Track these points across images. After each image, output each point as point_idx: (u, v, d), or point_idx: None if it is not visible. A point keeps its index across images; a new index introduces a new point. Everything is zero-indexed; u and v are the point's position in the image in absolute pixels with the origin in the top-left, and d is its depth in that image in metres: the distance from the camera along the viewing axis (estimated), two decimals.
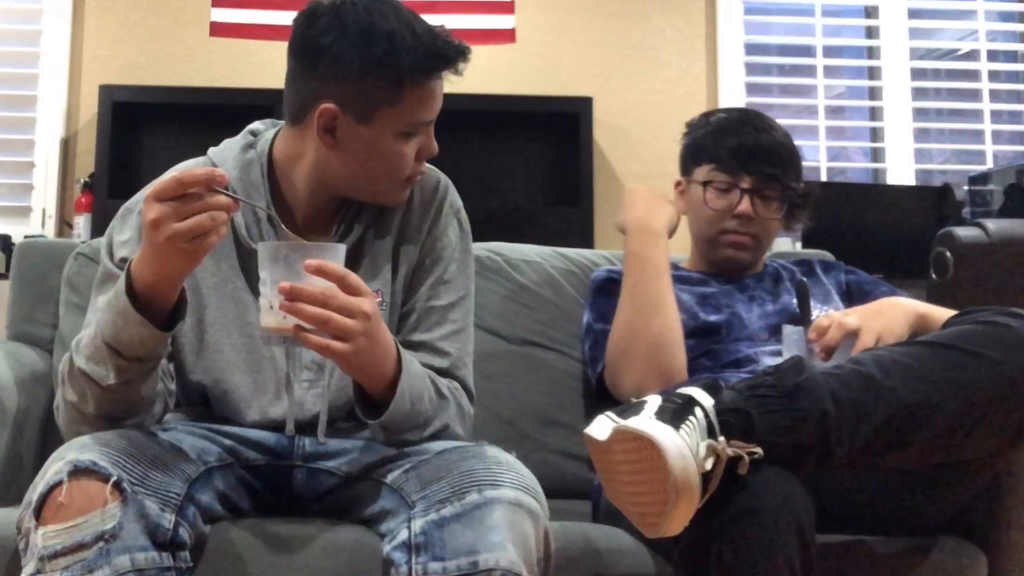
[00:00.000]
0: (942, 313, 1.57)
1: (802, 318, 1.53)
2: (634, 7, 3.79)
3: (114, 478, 1.16)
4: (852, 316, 1.48)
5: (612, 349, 1.70)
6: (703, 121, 1.88)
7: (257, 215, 1.45)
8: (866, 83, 3.99)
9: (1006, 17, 4.15)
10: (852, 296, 1.86)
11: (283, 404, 1.40)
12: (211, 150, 1.52)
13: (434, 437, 1.41)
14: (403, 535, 1.21)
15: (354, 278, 1.21)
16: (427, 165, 1.53)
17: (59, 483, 1.16)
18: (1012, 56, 4.12)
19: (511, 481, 1.23)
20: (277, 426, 1.40)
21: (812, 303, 1.74)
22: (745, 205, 1.78)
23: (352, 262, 1.41)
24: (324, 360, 1.38)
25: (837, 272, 1.91)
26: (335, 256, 1.22)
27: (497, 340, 1.96)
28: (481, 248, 2.03)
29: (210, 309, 1.44)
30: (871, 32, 4.00)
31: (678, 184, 1.90)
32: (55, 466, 1.19)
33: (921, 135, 3.94)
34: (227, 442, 1.39)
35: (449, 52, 1.40)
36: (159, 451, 1.26)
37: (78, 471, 1.17)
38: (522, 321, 1.98)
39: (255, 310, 1.37)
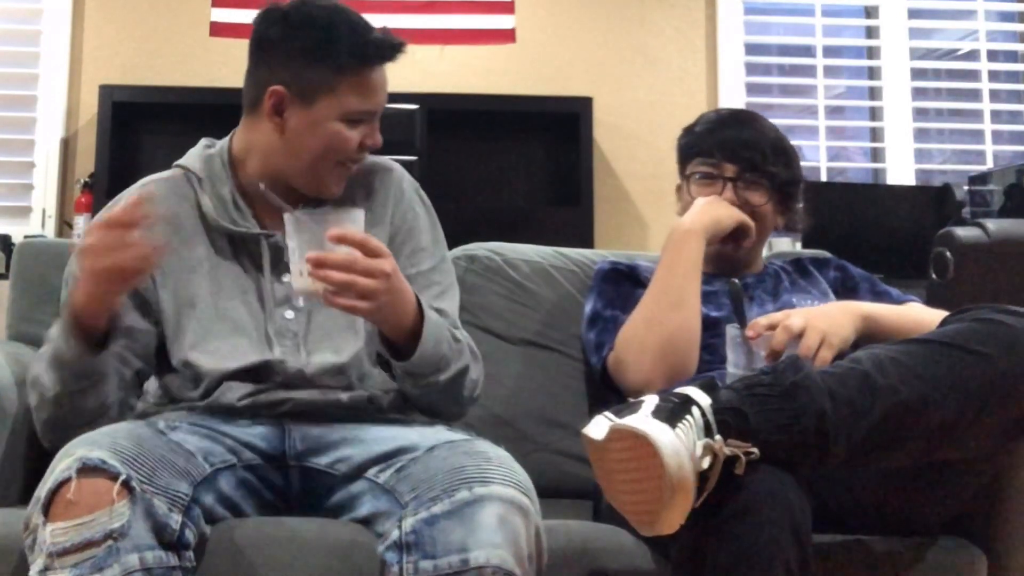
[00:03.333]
0: (891, 314, 1.61)
1: (737, 319, 1.52)
2: (634, 7, 3.79)
3: (123, 476, 1.17)
4: (796, 317, 1.48)
5: (627, 338, 1.68)
6: (696, 122, 1.92)
7: (222, 197, 1.55)
8: (866, 83, 4.00)
9: (1006, 17, 4.15)
10: (839, 292, 1.86)
11: (263, 352, 1.48)
12: (180, 161, 1.60)
13: (454, 381, 1.49)
14: (395, 535, 1.22)
15: (374, 242, 1.32)
16: (382, 158, 1.65)
17: (68, 480, 1.17)
18: (1012, 56, 4.12)
19: (501, 478, 1.24)
20: (258, 371, 1.47)
21: (809, 300, 1.74)
22: (728, 193, 1.79)
23: None
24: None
25: (828, 268, 1.92)
26: (354, 222, 1.34)
27: (496, 340, 1.95)
28: (480, 248, 2.03)
29: (188, 293, 1.50)
30: (871, 32, 4.00)
31: (678, 188, 1.91)
32: (64, 462, 1.19)
33: (921, 135, 3.94)
34: (228, 442, 1.40)
35: (382, 44, 1.52)
36: (166, 451, 1.27)
37: (87, 469, 1.17)
38: (521, 321, 1.98)
39: (231, 286, 1.51)
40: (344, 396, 1.48)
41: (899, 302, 1.76)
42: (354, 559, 1.31)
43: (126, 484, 1.17)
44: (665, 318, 1.64)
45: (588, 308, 1.86)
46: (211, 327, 1.49)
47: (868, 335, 1.54)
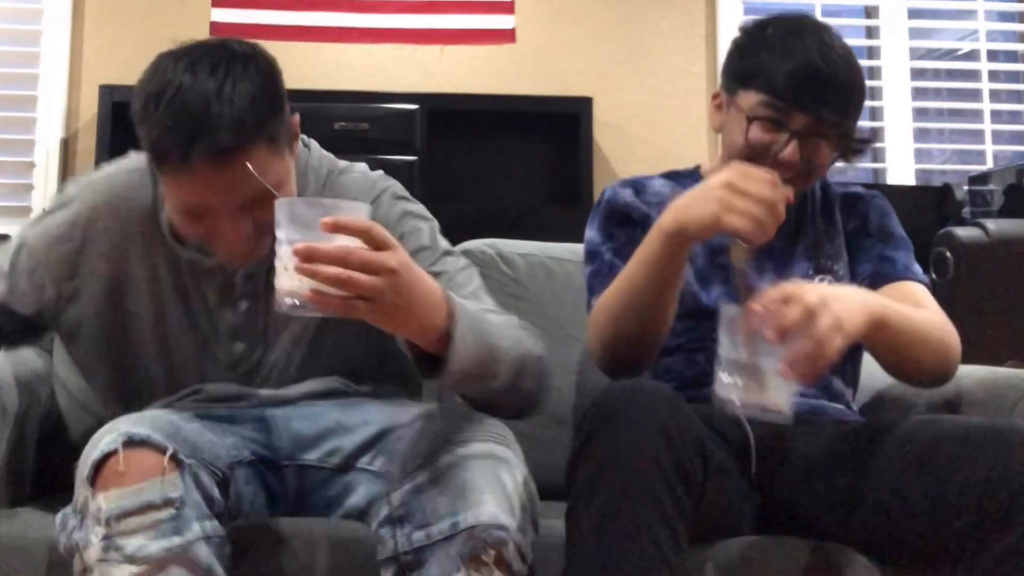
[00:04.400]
0: (903, 323, 1.42)
1: (737, 294, 1.35)
2: (634, 7, 3.79)
3: (171, 450, 1.16)
4: (812, 293, 1.25)
5: (593, 317, 1.53)
6: (763, 27, 1.56)
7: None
8: (866, 83, 3.99)
9: (1006, 17, 4.15)
10: (851, 248, 1.66)
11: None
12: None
13: (519, 373, 1.31)
14: (385, 510, 1.21)
15: (379, 230, 1.11)
16: (361, 166, 1.52)
17: (114, 452, 1.15)
18: (1012, 56, 4.12)
19: (480, 434, 1.24)
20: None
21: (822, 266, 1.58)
22: (791, 151, 1.49)
23: None
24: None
25: (854, 215, 1.66)
26: (358, 212, 1.13)
27: None
28: (475, 243, 2.03)
29: (154, 315, 1.43)
30: (871, 32, 4.00)
31: (716, 96, 1.63)
32: (108, 437, 1.17)
33: (921, 135, 3.94)
34: (231, 439, 1.37)
35: (171, 144, 1.24)
36: (201, 431, 1.26)
37: (133, 442, 1.15)
38: (517, 315, 1.97)
39: (177, 310, 1.40)
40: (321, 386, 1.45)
41: (902, 276, 1.61)
42: (358, 554, 1.31)
43: (174, 457, 1.15)
44: (622, 321, 1.46)
45: (589, 234, 1.67)
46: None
47: (878, 340, 1.41)
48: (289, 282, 1.09)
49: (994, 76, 3.94)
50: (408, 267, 1.13)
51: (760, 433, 1.45)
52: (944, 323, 1.51)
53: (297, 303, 1.10)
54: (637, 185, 1.70)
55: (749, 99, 1.52)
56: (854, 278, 1.62)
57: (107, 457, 1.15)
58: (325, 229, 1.07)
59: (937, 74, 4.14)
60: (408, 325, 1.17)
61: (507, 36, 3.64)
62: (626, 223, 1.63)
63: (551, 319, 1.98)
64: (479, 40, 3.64)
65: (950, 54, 4.19)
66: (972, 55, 4.00)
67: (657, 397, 1.23)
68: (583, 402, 1.36)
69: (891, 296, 1.52)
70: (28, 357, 1.73)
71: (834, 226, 1.65)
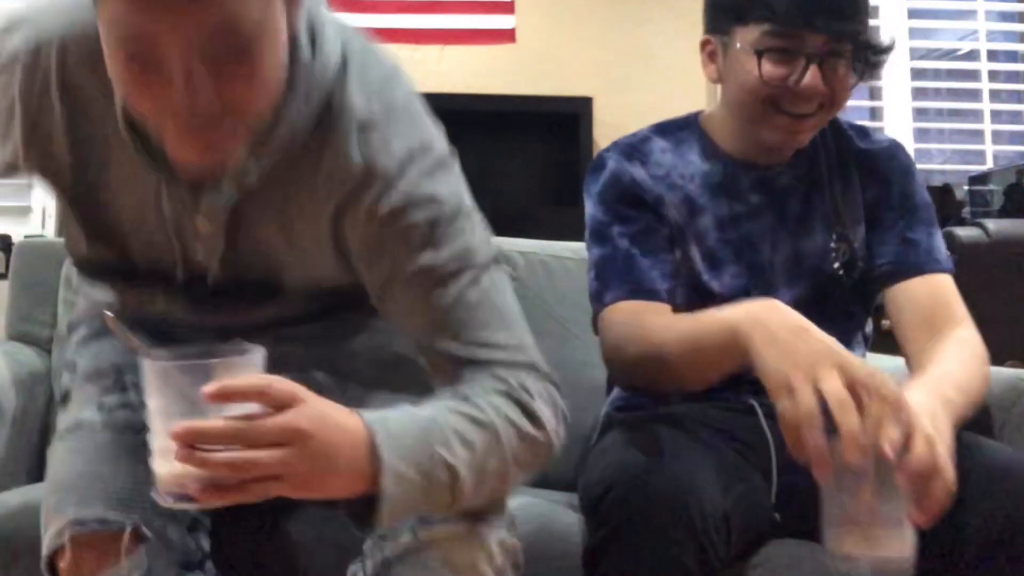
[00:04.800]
0: (965, 399, 1.26)
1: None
2: (634, 7, 3.79)
3: (129, 528, 1.05)
4: (942, 444, 1.09)
5: (611, 351, 1.41)
6: None
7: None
8: (866, 83, 3.99)
9: (1006, 17, 4.15)
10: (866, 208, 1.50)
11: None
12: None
13: (505, 471, 1.02)
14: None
15: (279, 386, 0.85)
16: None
17: (61, 548, 1.05)
18: (1012, 56, 4.12)
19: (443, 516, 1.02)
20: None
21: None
22: (812, 77, 1.35)
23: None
24: None
25: (874, 181, 1.50)
26: (249, 367, 0.87)
27: None
28: None
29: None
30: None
31: (706, 44, 1.52)
32: (55, 524, 1.07)
33: (921, 135, 3.94)
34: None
35: None
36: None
37: (81, 536, 1.05)
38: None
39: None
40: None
41: (925, 268, 1.47)
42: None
43: (136, 532, 1.05)
44: (652, 373, 1.33)
45: (592, 210, 1.51)
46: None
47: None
48: (170, 469, 0.85)
49: (994, 76, 3.93)
50: (321, 419, 0.87)
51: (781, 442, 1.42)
52: (976, 347, 1.40)
53: (185, 495, 0.86)
54: (640, 154, 1.54)
55: (751, 34, 1.38)
56: (872, 258, 1.51)
57: (57, 552, 1.06)
58: (211, 400, 0.82)
59: (937, 74, 4.14)
60: (329, 487, 0.90)
61: (507, 36, 3.64)
62: (638, 205, 1.47)
63: (551, 317, 1.98)
64: (479, 40, 3.64)
65: (950, 54, 4.19)
66: (972, 55, 4.00)
67: (678, 487, 1.18)
68: (586, 433, 1.31)
69: (916, 296, 1.45)
70: (28, 358, 1.73)
71: (851, 188, 1.52)
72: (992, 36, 4.06)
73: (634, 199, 1.48)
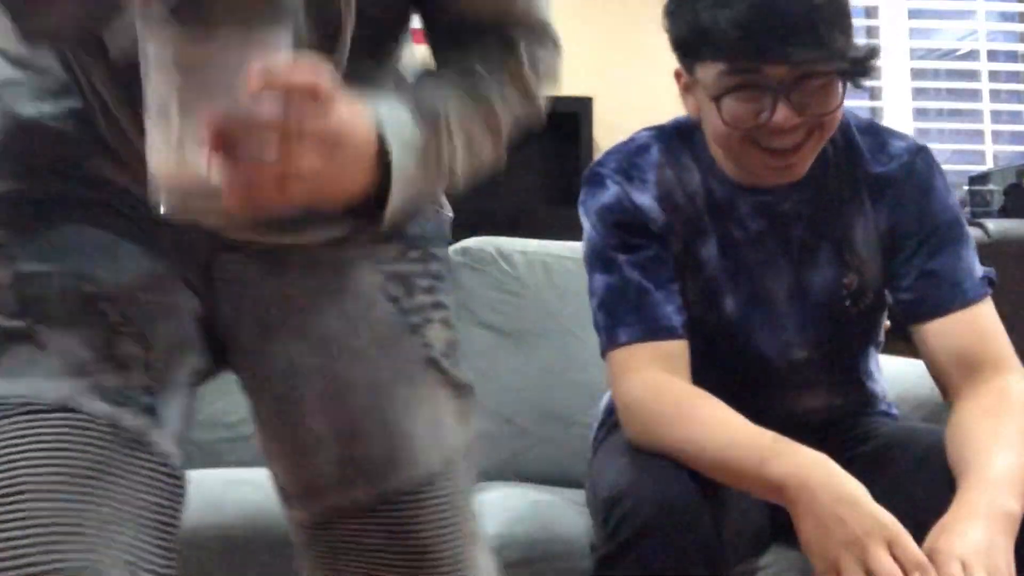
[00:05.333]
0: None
1: None
2: (634, 7, 3.79)
3: None
4: (980, 570, 1.04)
5: (627, 416, 1.32)
6: None
7: None
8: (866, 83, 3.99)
9: (1006, 17, 4.15)
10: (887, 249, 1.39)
11: None
12: None
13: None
14: None
15: (327, 84, 0.72)
16: None
17: None
18: (1012, 56, 4.12)
19: None
20: None
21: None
22: (782, 114, 1.21)
23: None
24: None
25: (883, 204, 1.38)
26: (270, 43, 0.70)
27: (490, 333, 1.95)
28: (475, 241, 2.03)
29: None
30: (871, 32, 3.99)
31: (679, 76, 1.36)
32: None
33: (921, 135, 3.94)
34: None
35: None
36: None
37: None
38: (516, 312, 1.98)
39: None
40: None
41: (949, 306, 1.35)
42: None
43: None
44: (673, 455, 1.25)
45: (592, 234, 1.42)
46: None
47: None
48: (179, 166, 0.68)
49: (994, 76, 3.93)
50: (352, 124, 0.78)
51: None
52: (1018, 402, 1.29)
53: (191, 204, 0.70)
54: (640, 173, 1.43)
55: (708, 72, 1.25)
56: (892, 292, 1.42)
57: None
58: (255, 90, 0.66)
59: (937, 74, 4.13)
60: (340, 189, 0.81)
61: None
62: (645, 234, 1.38)
63: (550, 316, 1.98)
64: None
65: (950, 54, 4.19)
66: (972, 55, 4.00)
67: (689, 499, 1.18)
68: (587, 432, 1.32)
69: (945, 337, 1.34)
70: None
71: (864, 214, 1.39)
72: (992, 36, 4.06)
73: (640, 228, 1.38)
